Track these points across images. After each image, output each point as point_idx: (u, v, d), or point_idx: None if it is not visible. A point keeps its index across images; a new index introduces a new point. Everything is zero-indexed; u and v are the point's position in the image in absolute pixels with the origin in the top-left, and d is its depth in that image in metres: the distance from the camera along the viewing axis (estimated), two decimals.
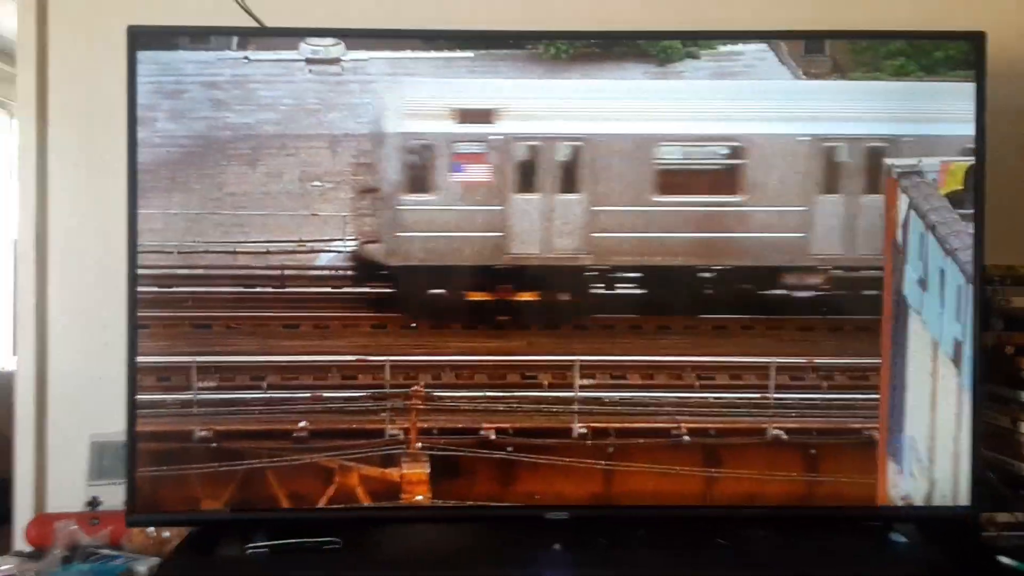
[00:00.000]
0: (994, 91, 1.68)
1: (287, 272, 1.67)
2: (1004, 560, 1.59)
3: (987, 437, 1.72)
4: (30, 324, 1.99)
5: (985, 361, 1.68)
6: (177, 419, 1.66)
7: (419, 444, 1.68)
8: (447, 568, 1.64)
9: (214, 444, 1.66)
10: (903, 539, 1.71)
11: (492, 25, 1.80)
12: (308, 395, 1.68)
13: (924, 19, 1.89)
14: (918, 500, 1.70)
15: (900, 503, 1.70)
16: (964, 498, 1.67)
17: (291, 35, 1.67)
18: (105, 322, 1.93)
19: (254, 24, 1.88)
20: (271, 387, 1.68)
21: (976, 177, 1.67)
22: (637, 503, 1.70)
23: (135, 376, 1.65)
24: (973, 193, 1.67)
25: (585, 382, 1.69)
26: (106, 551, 1.73)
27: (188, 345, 1.67)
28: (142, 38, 1.65)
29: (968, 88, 1.68)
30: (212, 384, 1.67)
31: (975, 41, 1.68)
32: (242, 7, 1.90)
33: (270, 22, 1.88)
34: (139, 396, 1.65)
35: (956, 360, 1.67)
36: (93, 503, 1.86)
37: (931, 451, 1.69)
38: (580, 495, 1.70)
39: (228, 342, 1.67)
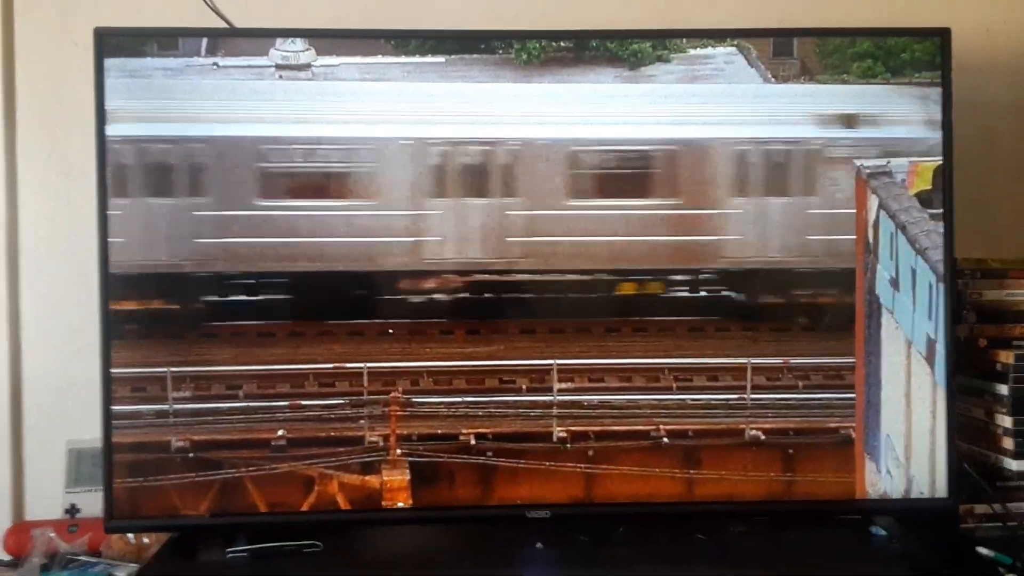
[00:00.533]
0: (959, 87, 1.69)
1: None
2: (982, 551, 1.60)
3: (963, 429, 1.73)
4: (3, 330, 1.96)
5: (959, 354, 1.69)
6: (153, 427, 1.65)
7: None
8: (429, 569, 1.64)
9: (191, 454, 1.65)
10: (883, 532, 1.72)
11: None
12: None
13: (890, 22, 1.88)
14: (896, 495, 1.70)
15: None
16: (942, 491, 1.68)
17: (260, 36, 1.66)
18: (78, 327, 1.90)
19: (224, 27, 1.86)
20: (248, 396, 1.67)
21: (944, 174, 1.67)
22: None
23: (109, 382, 1.63)
24: (942, 191, 1.67)
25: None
26: (85, 558, 1.72)
27: (163, 353, 1.65)
28: (109, 40, 1.63)
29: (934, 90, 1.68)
30: (187, 394, 1.66)
31: (940, 37, 1.68)
32: (210, 7, 1.88)
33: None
34: (115, 407, 1.63)
35: (929, 357, 1.68)
36: (71, 510, 1.85)
37: (908, 447, 1.69)
38: (561, 499, 1.69)
39: (203, 350, 1.66)
